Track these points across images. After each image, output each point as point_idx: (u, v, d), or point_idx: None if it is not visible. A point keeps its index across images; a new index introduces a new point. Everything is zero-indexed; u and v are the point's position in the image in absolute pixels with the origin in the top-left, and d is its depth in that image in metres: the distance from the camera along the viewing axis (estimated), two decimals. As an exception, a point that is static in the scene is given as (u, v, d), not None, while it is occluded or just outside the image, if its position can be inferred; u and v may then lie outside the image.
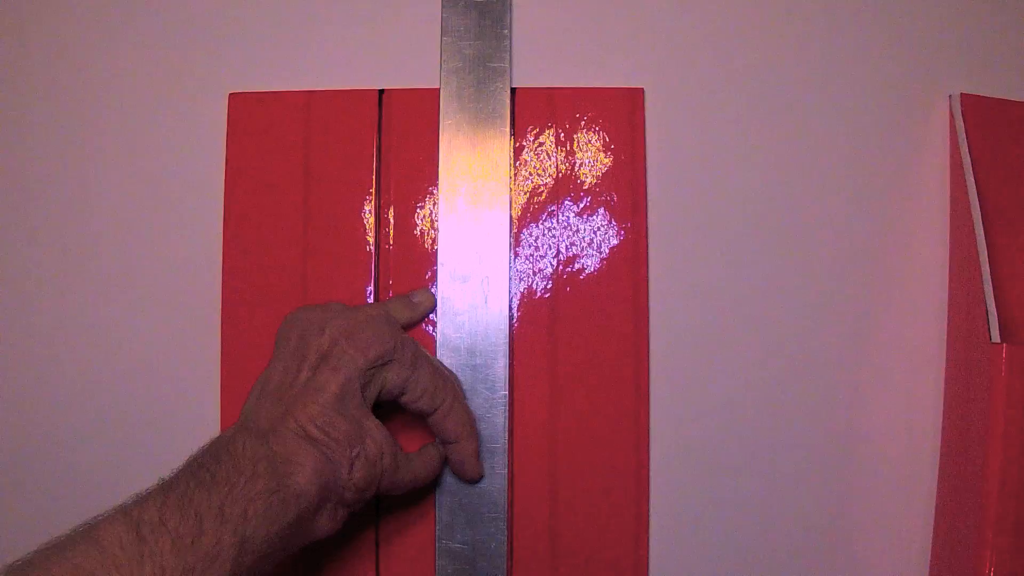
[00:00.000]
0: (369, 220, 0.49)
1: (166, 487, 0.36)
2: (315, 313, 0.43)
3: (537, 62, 0.50)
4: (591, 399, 0.48)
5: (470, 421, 0.45)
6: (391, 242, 0.49)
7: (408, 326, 0.47)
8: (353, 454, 0.39)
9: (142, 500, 0.35)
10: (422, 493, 0.47)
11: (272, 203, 0.49)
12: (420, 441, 0.46)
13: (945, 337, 0.49)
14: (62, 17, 0.51)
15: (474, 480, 0.46)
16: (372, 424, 0.41)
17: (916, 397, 0.49)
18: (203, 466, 0.37)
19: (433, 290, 0.48)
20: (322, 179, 0.49)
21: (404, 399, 0.43)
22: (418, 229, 0.49)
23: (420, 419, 0.45)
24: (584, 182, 0.49)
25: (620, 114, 0.49)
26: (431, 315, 0.48)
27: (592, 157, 0.49)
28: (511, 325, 0.48)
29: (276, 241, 0.49)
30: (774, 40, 0.51)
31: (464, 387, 0.47)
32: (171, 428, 0.49)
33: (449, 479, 0.47)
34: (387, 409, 0.44)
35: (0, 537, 0.49)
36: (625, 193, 0.49)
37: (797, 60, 0.51)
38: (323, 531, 0.40)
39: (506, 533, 0.47)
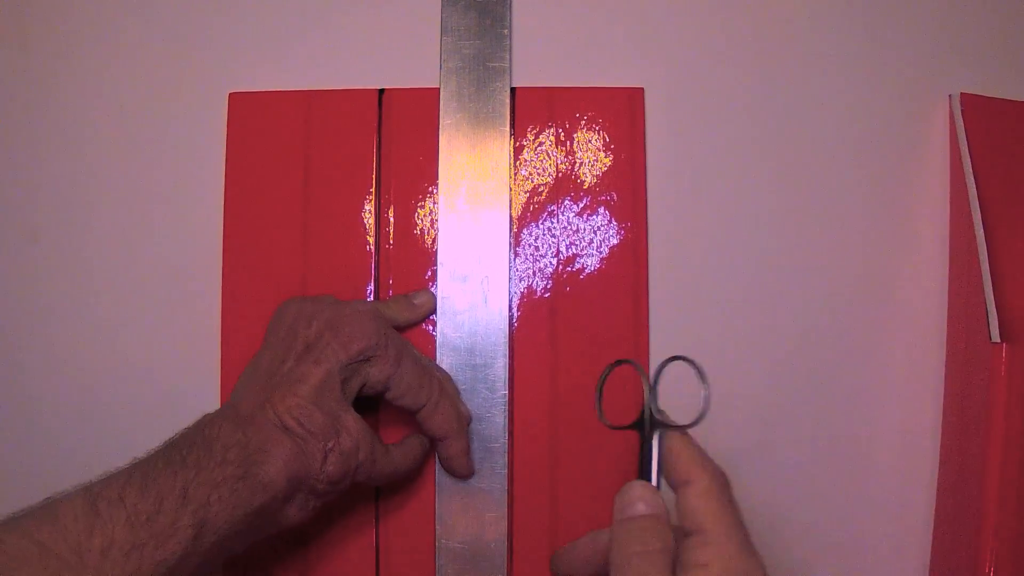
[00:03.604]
0: (369, 220, 0.49)
1: (135, 466, 0.37)
2: (307, 304, 0.43)
3: (537, 62, 0.50)
4: (591, 399, 0.48)
5: (458, 419, 0.45)
6: (391, 242, 0.49)
7: (408, 326, 0.47)
8: (328, 447, 0.40)
9: (108, 478, 0.36)
10: (422, 493, 0.47)
11: (272, 203, 0.49)
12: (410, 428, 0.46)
13: (945, 337, 0.49)
14: (62, 17, 0.51)
15: (465, 477, 0.46)
16: (350, 418, 0.41)
17: (916, 397, 0.49)
18: (176, 447, 0.38)
19: (433, 290, 0.48)
20: (322, 179, 0.49)
21: (388, 395, 0.43)
22: (418, 229, 0.49)
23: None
24: (584, 182, 0.49)
25: (620, 114, 0.49)
26: (431, 315, 0.48)
27: (592, 157, 0.49)
28: (511, 325, 0.48)
29: (276, 241, 0.49)
30: (774, 40, 0.51)
31: (464, 387, 0.47)
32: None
33: (448, 480, 0.47)
34: (378, 401, 0.44)
35: None
36: (625, 193, 0.49)
37: (797, 60, 0.51)
38: (293, 520, 0.40)
39: (506, 533, 0.47)
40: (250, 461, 0.38)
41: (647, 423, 0.36)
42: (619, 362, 0.37)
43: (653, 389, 0.36)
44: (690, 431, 0.35)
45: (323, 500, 0.41)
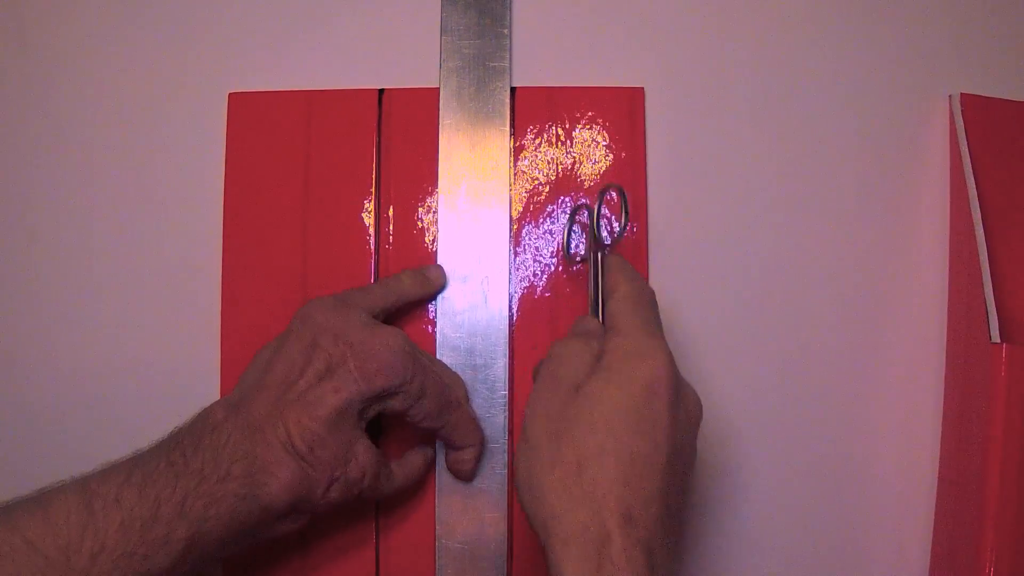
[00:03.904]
0: (369, 220, 0.49)
1: (135, 462, 0.36)
2: (335, 318, 0.41)
3: (537, 62, 0.50)
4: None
5: (474, 431, 0.44)
6: (391, 242, 0.49)
7: (419, 301, 0.47)
8: (334, 476, 0.39)
9: (107, 473, 0.35)
10: (422, 493, 0.47)
11: (272, 203, 0.49)
12: (415, 436, 0.46)
13: (945, 337, 0.49)
14: (62, 17, 0.51)
15: (467, 480, 0.46)
16: (362, 447, 0.40)
17: (916, 397, 0.49)
18: (180, 447, 0.37)
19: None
20: (322, 179, 0.49)
21: (407, 419, 0.42)
22: (418, 229, 0.49)
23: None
24: (584, 181, 0.49)
25: (620, 114, 0.49)
26: (431, 315, 0.48)
27: (592, 156, 0.49)
28: (511, 325, 0.48)
29: (276, 241, 0.49)
30: (774, 40, 0.51)
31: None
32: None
33: (448, 479, 0.47)
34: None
35: None
36: (625, 192, 0.49)
37: (797, 60, 0.51)
38: (283, 532, 0.40)
39: (506, 533, 0.47)
40: (254, 481, 0.37)
41: (591, 248, 0.42)
42: (578, 207, 0.45)
43: (595, 218, 0.42)
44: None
45: (318, 515, 0.41)
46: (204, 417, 0.39)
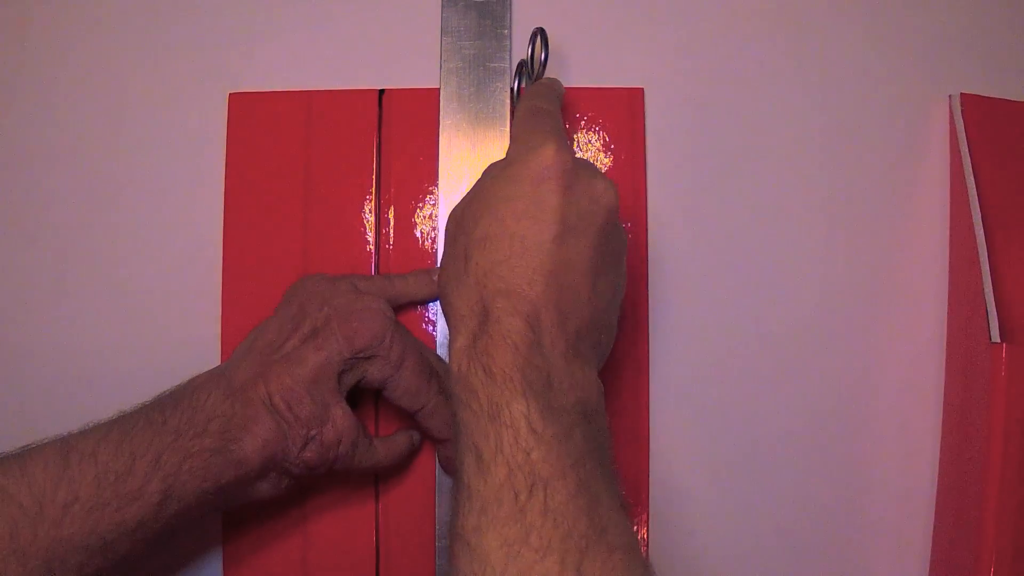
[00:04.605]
0: (369, 220, 0.49)
1: (116, 421, 0.37)
2: (324, 286, 0.43)
3: (537, 62, 0.50)
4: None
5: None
6: (391, 242, 0.49)
7: (425, 301, 0.48)
8: (309, 435, 0.40)
9: (87, 430, 0.36)
10: (422, 493, 0.47)
11: (272, 203, 0.49)
12: (404, 425, 0.46)
13: (945, 337, 0.49)
14: (62, 17, 0.51)
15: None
16: (339, 411, 0.41)
17: (916, 397, 0.49)
18: (161, 407, 0.38)
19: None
20: (322, 179, 0.49)
21: (385, 394, 0.43)
22: (418, 229, 0.49)
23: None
24: (584, 182, 0.49)
25: (620, 114, 0.49)
26: (431, 315, 0.48)
27: (592, 157, 0.49)
28: (511, 325, 0.48)
29: (276, 241, 0.49)
30: (774, 40, 0.51)
31: (463, 387, 0.47)
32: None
33: (448, 480, 0.47)
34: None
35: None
36: (625, 193, 0.49)
37: (797, 60, 0.51)
38: (263, 495, 0.41)
39: (506, 533, 0.47)
40: (229, 436, 0.38)
41: (528, 82, 0.45)
42: (520, 64, 0.45)
43: (529, 62, 0.45)
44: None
45: (297, 481, 0.41)
46: (188, 382, 0.40)
